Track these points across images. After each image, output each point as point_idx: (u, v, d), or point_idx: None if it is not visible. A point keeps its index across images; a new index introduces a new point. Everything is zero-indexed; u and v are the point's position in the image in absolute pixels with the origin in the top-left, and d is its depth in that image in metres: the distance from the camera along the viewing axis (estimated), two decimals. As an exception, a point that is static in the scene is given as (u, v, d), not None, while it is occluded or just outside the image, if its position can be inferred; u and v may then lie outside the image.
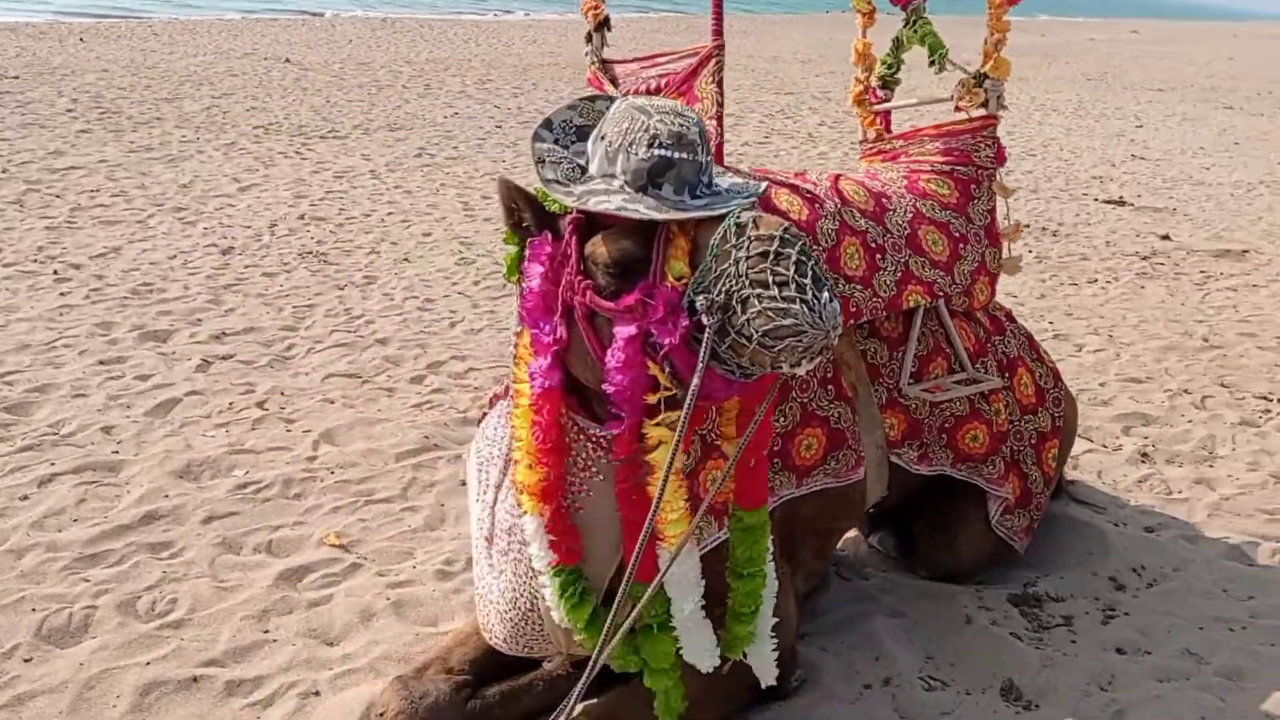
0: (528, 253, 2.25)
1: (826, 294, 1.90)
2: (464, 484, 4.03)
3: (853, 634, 3.14)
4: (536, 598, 2.48)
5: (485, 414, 3.12)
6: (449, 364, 5.36)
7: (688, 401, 2.00)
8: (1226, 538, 3.77)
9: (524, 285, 2.26)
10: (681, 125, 2.09)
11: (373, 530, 3.69)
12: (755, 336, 1.91)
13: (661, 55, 3.26)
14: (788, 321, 1.88)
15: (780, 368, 1.96)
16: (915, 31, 3.52)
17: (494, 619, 2.60)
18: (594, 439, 2.33)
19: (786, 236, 1.94)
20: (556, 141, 2.27)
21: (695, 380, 1.98)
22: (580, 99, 2.35)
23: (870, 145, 3.78)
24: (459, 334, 5.84)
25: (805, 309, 1.88)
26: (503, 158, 11.15)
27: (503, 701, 2.69)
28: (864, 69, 3.76)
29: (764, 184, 2.27)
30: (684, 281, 2.04)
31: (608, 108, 2.28)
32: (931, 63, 3.46)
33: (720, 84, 2.97)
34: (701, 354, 1.97)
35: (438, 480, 4.07)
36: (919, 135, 3.59)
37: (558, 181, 2.14)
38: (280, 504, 3.84)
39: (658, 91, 3.15)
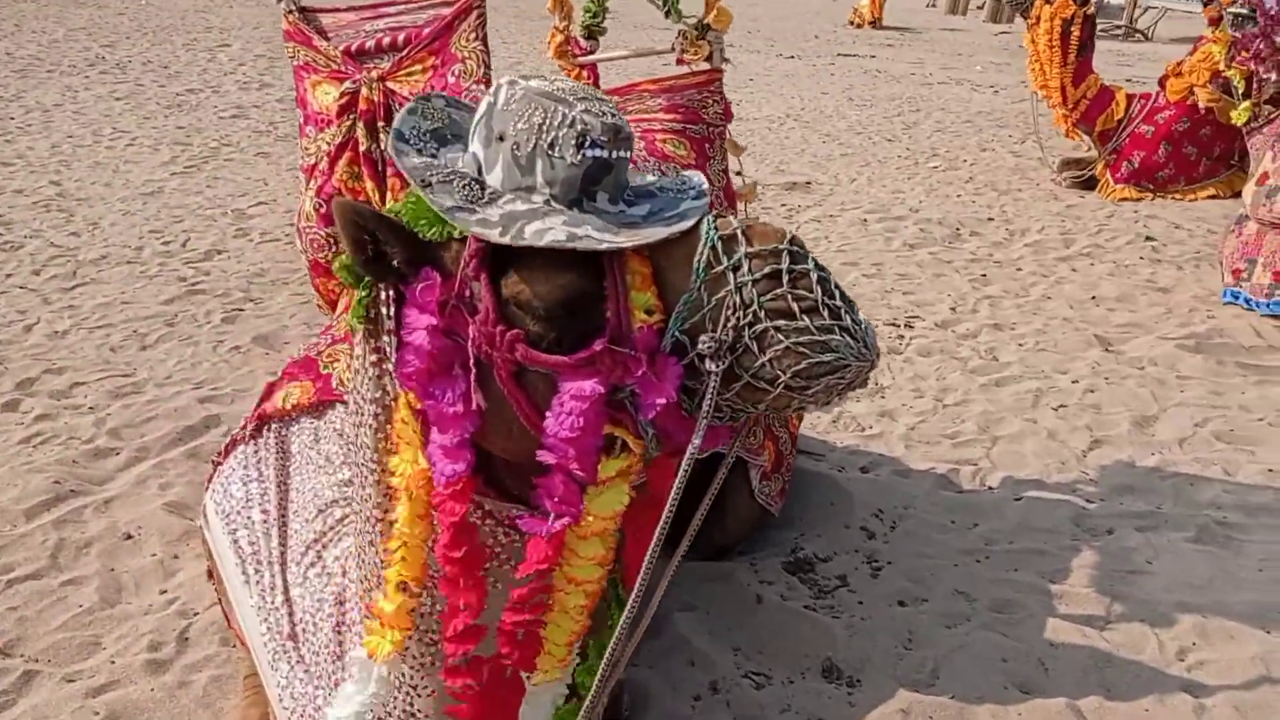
0: (410, 297, 1.65)
1: (861, 315, 1.59)
2: (127, 540, 3.27)
3: (657, 637, 2.91)
4: (416, 715, 1.95)
5: (217, 465, 2.49)
6: (44, 380, 4.36)
7: (682, 466, 1.60)
8: (932, 468, 3.96)
9: (402, 341, 1.67)
10: (613, 115, 1.63)
11: (33, 620, 2.87)
12: (783, 378, 1.54)
13: (389, 4, 2.72)
14: (827, 357, 1.52)
15: (804, 409, 1.64)
16: None
17: None
18: (507, 520, 1.83)
19: (794, 250, 1.57)
20: (420, 153, 1.70)
21: (695, 440, 1.57)
22: (415, 99, 1.77)
23: (576, 101, 3.46)
24: (40, 340, 4.78)
25: (848, 338, 1.53)
26: (10, 114, 9.48)
27: None
28: (562, 17, 3.42)
29: (697, 174, 1.86)
30: (656, 319, 1.61)
31: (445, 105, 1.77)
32: (667, 13, 3.19)
33: (485, 40, 2.52)
34: (705, 404, 1.56)
35: (92, 537, 3.25)
36: (637, 90, 3.32)
37: (461, 208, 1.59)
38: (-117, 605, 2.88)
39: (392, 48, 2.63)
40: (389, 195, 2.64)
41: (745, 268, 1.55)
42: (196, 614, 2.91)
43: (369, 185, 2.68)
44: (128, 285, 5.60)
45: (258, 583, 2.19)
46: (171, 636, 2.81)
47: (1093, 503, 3.72)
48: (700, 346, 1.56)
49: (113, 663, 2.72)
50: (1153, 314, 5.70)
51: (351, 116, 2.66)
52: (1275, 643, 2.98)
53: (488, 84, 2.50)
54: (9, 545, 3.18)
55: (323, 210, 2.71)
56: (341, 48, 2.74)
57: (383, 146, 2.63)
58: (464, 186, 1.61)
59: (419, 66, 2.58)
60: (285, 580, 2.15)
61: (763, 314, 1.53)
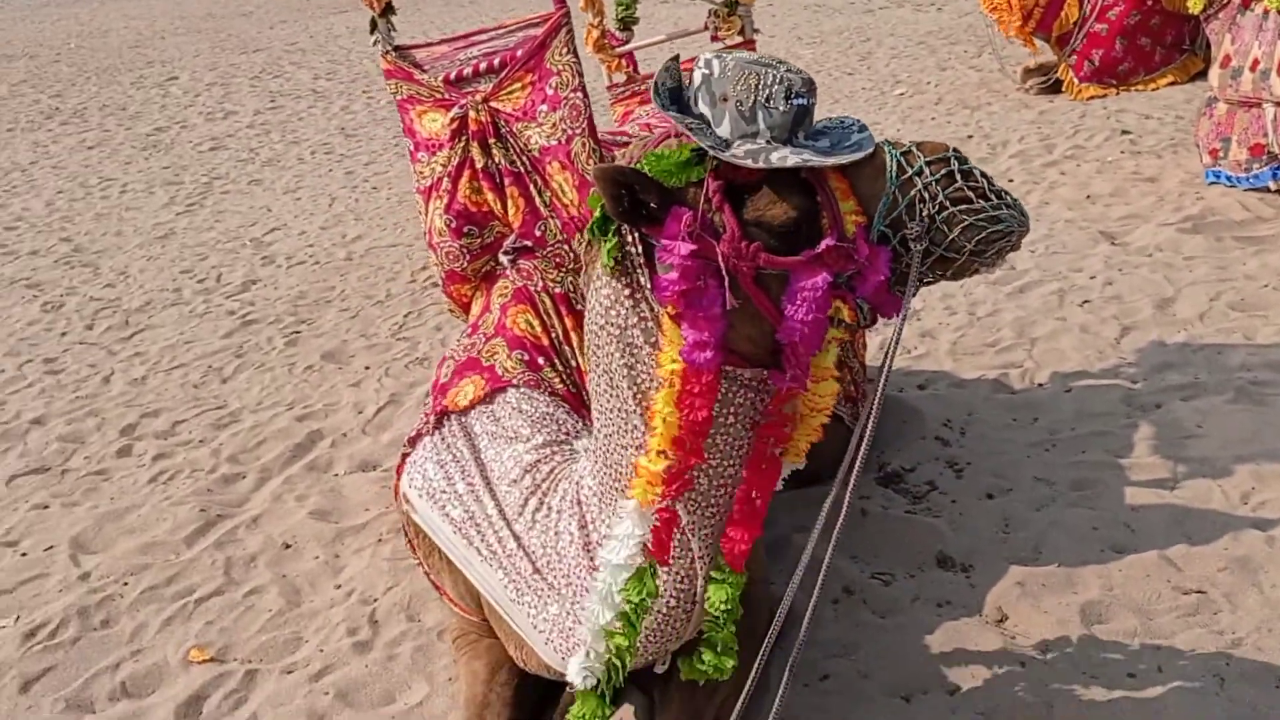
0: (666, 230, 2.03)
1: (1009, 194, 2.03)
2: (287, 549, 3.58)
3: (782, 558, 3.25)
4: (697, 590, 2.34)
5: (405, 456, 2.82)
6: (144, 424, 4.64)
7: (899, 325, 2.06)
8: (982, 375, 4.32)
9: (654, 272, 2.08)
10: (805, 73, 2.04)
11: (232, 628, 3.18)
12: (969, 247, 1.98)
13: (479, 33, 3.01)
14: (999, 227, 1.98)
15: (980, 271, 2.06)
16: None
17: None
18: (746, 382, 2.18)
19: (958, 155, 2.02)
20: (665, 109, 2.08)
21: (907, 305, 2.02)
22: (668, 62, 2.17)
23: (621, 89, 3.77)
24: (123, 388, 5.06)
25: (1016, 213, 1.99)
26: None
27: None
28: (595, 13, 3.72)
29: (851, 117, 2.23)
30: (861, 219, 2.01)
31: (674, 68, 2.16)
32: None
33: (576, 53, 2.81)
34: (912, 277, 1.99)
35: (255, 552, 3.56)
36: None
37: (717, 147, 2.00)
38: (95, 639, 3.18)
39: (490, 71, 2.92)
40: (509, 203, 2.96)
41: (927, 172, 1.99)
42: (376, 600, 3.24)
43: (489, 197, 2.97)
44: (182, 326, 5.87)
45: (482, 541, 2.53)
46: (363, 621, 3.13)
47: (1136, 383, 4.09)
48: (907, 231, 1.99)
49: (321, 650, 3.04)
50: (1146, 203, 6.06)
51: (464, 138, 2.95)
52: (1324, 478, 3.36)
53: (583, 91, 2.80)
54: (183, 570, 3.49)
55: (454, 225, 3.02)
56: (441, 77, 3.02)
57: (497, 161, 2.93)
58: (710, 135, 2.02)
59: (518, 85, 2.86)
60: (513, 532, 2.50)
61: (948, 203, 1.98)
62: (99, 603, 3.35)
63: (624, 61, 3.77)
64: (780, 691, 2.11)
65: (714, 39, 3.59)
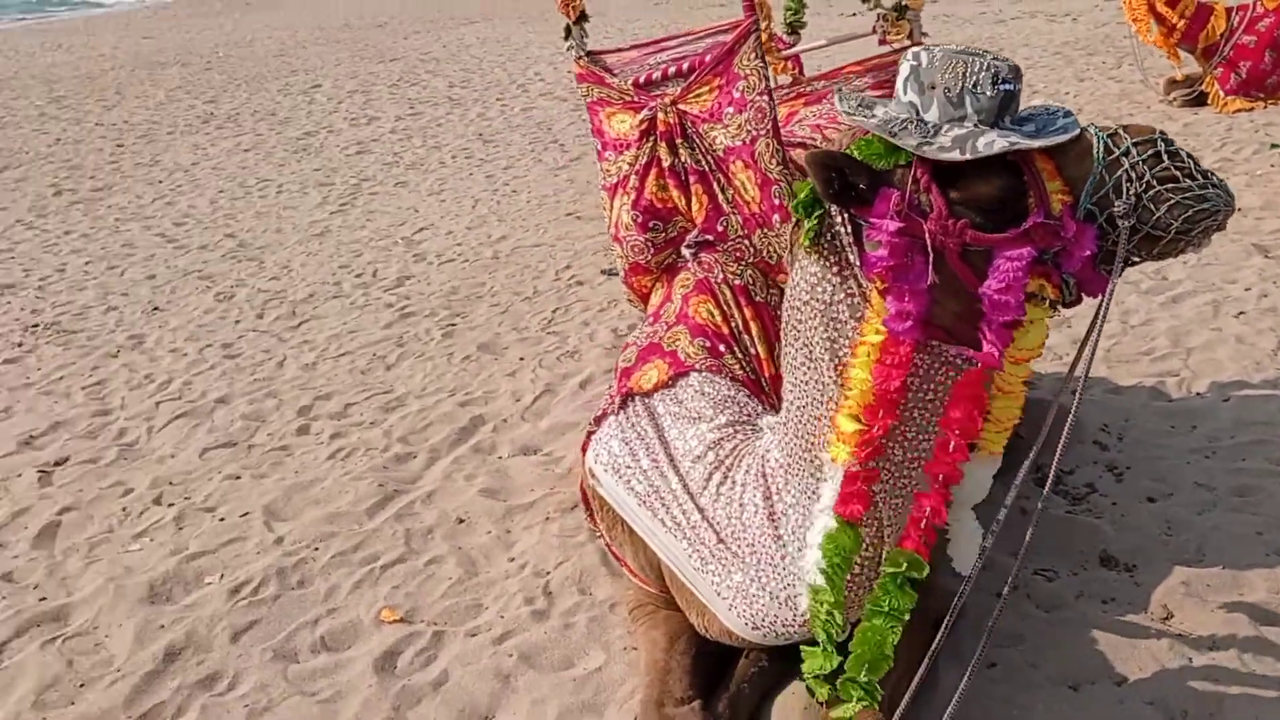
0: (875, 210, 2.17)
1: (1215, 174, 2.11)
2: (461, 524, 3.80)
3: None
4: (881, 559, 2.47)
5: (591, 434, 3.00)
6: (319, 406, 4.93)
7: (1105, 302, 2.13)
8: (1139, 383, 4.33)
9: (862, 249, 2.22)
10: (1009, 60, 2.15)
11: (417, 594, 3.40)
12: (1175, 226, 2.06)
13: (669, 39, 3.18)
14: (1206, 205, 2.05)
15: (1187, 250, 2.14)
16: None
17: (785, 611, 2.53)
18: (949, 359, 2.29)
19: (1164, 137, 2.11)
20: (865, 117, 2.21)
21: (1115, 279, 2.12)
22: (837, 87, 2.34)
23: (786, 90, 3.89)
24: (296, 373, 5.37)
25: (1222, 192, 2.07)
26: (156, 177, 10.19)
27: (730, 706, 2.68)
28: (763, 17, 3.85)
29: (1055, 104, 2.34)
30: (1067, 199, 2.11)
31: (854, 87, 2.30)
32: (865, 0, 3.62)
33: (764, 58, 2.96)
34: (1119, 254, 2.09)
35: (431, 525, 3.79)
36: (842, 74, 3.74)
37: (923, 143, 2.11)
38: (294, 597, 3.43)
39: (679, 75, 3.08)
40: (693, 199, 3.12)
41: (1134, 153, 2.08)
42: (549, 573, 3.42)
43: (674, 194, 3.14)
44: (345, 317, 6.18)
45: (666, 514, 2.69)
46: (538, 592, 3.32)
47: (1297, 394, 4.06)
48: (1115, 208, 2.08)
49: (501, 616, 3.23)
50: (1301, 217, 5.95)
51: (652, 138, 3.12)
52: None
53: (769, 95, 2.95)
54: (367, 539, 3.73)
55: (640, 220, 3.20)
56: (630, 81, 3.20)
57: (683, 160, 3.10)
58: (916, 127, 2.14)
59: (706, 88, 3.02)
60: (697, 505, 2.66)
61: (1155, 182, 2.06)
62: (294, 565, 3.60)
63: (790, 64, 3.90)
64: (959, 691, 2.22)
65: (881, 43, 3.70)
